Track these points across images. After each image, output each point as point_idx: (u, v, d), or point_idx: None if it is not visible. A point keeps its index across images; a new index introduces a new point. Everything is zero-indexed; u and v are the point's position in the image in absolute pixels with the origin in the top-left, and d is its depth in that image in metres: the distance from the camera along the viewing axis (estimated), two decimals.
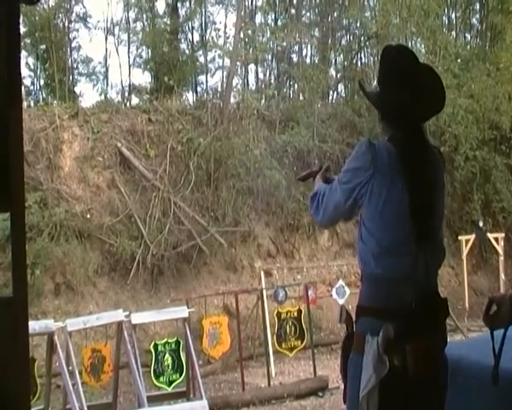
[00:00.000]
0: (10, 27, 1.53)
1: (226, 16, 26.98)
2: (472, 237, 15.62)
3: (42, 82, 19.61)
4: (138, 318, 9.39)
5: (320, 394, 10.49)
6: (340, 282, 13.28)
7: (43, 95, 19.58)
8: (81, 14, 19.89)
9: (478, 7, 22.93)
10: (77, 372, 8.30)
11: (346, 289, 13.03)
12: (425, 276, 3.01)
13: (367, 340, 2.98)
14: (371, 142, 3.08)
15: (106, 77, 20.03)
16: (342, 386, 10.30)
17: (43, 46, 18.86)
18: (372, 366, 2.93)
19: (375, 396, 2.93)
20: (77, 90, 20.20)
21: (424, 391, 2.98)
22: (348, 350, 3.14)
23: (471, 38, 23.12)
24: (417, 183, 3.02)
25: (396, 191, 2.98)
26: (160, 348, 9.50)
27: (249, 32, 18.93)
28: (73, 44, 20.28)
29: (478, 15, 23.00)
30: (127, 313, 9.22)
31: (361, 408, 2.99)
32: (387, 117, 3.25)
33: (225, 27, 20.77)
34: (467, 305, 15.70)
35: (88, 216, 14.28)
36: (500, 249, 16.47)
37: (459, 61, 19.33)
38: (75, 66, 20.29)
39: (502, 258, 16.51)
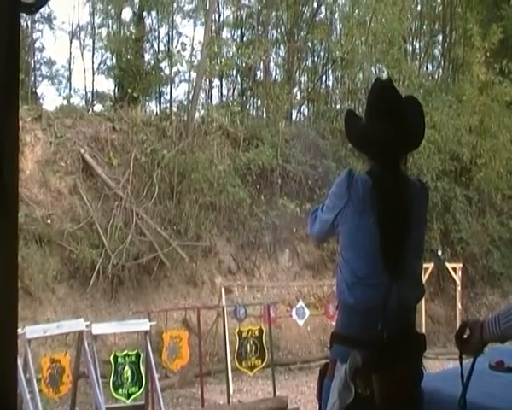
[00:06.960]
0: (11, 35, 1.58)
1: (194, 29, 26.99)
2: (431, 265, 15.73)
3: None
4: (99, 328, 9.22)
5: None
6: (301, 303, 13.22)
7: None
8: (46, 15, 19.65)
9: (440, 39, 23.32)
10: (35, 381, 8.09)
11: (306, 310, 12.99)
12: (398, 308, 3.05)
13: (337, 367, 3.06)
14: (351, 172, 3.16)
15: (69, 81, 19.82)
16: (301, 408, 10.30)
17: None
18: (337, 392, 3.00)
19: None
20: (38, 92, 19.95)
21: None
22: (324, 376, 3.21)
23: (433, 68, 23.54)
24: (388, 217, 3.07)
25: (367, 223, 3.04)
26: (119, 359, 9.32)
27: (215, 47, 18.87)
28: (37, 45, 20.05)
29: (440, 47, 23.39)
30: (88, 322, 9.03)
31: None
32: (366, 153, 3.35)
33: (193, 41, 20.81)
34: (424, 332, 15.75)
35: (48, 221, 13.98)
36: (457, 279, 16.70)
37: (422, 91, 19.56)
38: (38, 67, 20.04)
39: (459, 288, 16.74)
